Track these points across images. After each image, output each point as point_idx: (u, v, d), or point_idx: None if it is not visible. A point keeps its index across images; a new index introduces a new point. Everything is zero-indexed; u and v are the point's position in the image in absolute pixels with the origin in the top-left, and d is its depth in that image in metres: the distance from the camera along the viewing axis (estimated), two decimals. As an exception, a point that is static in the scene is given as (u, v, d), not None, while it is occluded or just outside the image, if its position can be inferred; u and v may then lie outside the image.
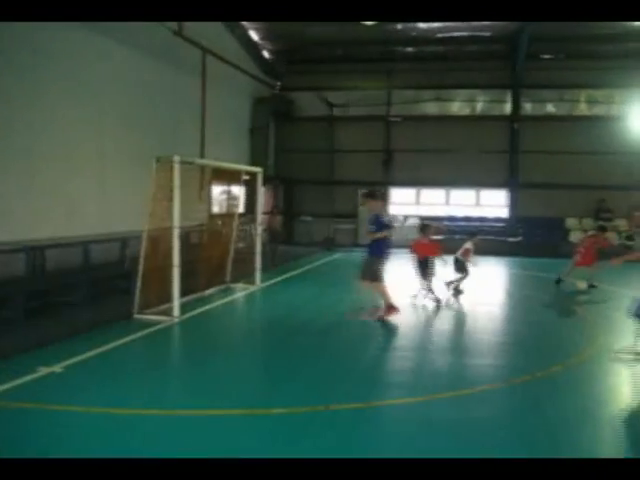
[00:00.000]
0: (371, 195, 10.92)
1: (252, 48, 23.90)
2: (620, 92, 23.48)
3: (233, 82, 21.65)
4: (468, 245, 13.24)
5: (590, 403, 6.29)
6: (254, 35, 23.32)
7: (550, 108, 25.00)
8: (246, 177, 15.13)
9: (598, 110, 24.35)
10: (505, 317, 12.06)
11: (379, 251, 10.21)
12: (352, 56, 25.06)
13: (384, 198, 9.84)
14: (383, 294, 10.25)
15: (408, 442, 5.15)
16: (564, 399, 6.40)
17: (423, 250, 12.57)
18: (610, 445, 5.19)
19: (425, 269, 12.33)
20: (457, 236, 23.67)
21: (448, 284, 13.10)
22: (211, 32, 18.43)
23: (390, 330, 9.92)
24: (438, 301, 12.00)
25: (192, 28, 16.57)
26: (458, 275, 13.11)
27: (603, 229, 15.85)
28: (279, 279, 15.11)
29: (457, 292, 13.07)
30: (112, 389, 6.47)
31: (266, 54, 25.18)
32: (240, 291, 13.33)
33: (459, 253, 13.19)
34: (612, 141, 22.83)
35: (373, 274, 10.19)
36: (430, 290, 12.28)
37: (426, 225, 13.40)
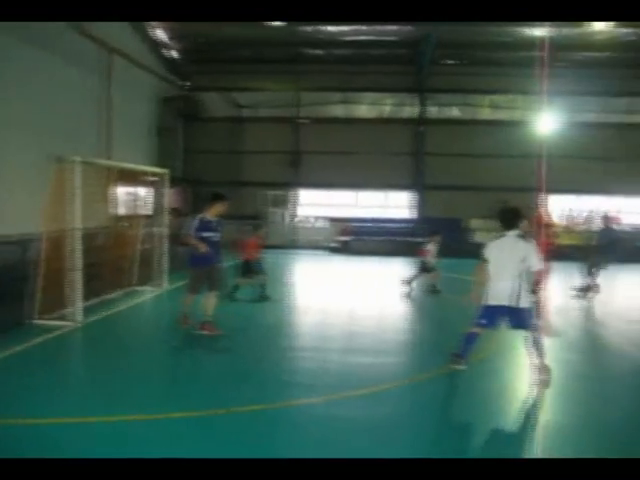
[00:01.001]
0: (217, 197, 9.85)
1: (159, 47, 24.10)
2: (522, 98, 25.16)
3: (139, 82, 21.84)
4: (429, 246, 14.14)
5: (490, 399, 6.61)
6: (161, 34, 23.46)
7: (455, 112, 26.61)
8: (154, 178, 15.49)
9: (501, 115, 26.12)
10: (408, 316, 12.46)
11: (195, 260, 9.32)
12: (261, 57, 25.68)
13: (226, 200, 9.39)
14: (185, 305, 9.75)
15: (309, 442, 5.31)
16: (465, 395, 6.76)
17: (247, 249, 12.76)
18: (507, 441, 5.49)
19: (247, 269, 12.62)
20: (366, 237, 25.45)
21: (407, 282, 14.06)
22: (116, 31, 18.58)
23: (292, 330, 10.34)
24: (265, 298, 12.57)
25: (97, 27, 16.68)
26: (417, 274, 14.09)
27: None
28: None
29: (434, 291, 14.07)
30: (7, 397, 6.40)
31: (174, 54, 25.40)
32: (146, 294, 13.28)
33: (424, 254, 14.09)
34: (514, 145, 24.26)
35: (190, 285, 9.69)
36: (262, 287, 12.79)
37: (258, 225, 14.35)
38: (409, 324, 11.67)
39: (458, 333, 9.96)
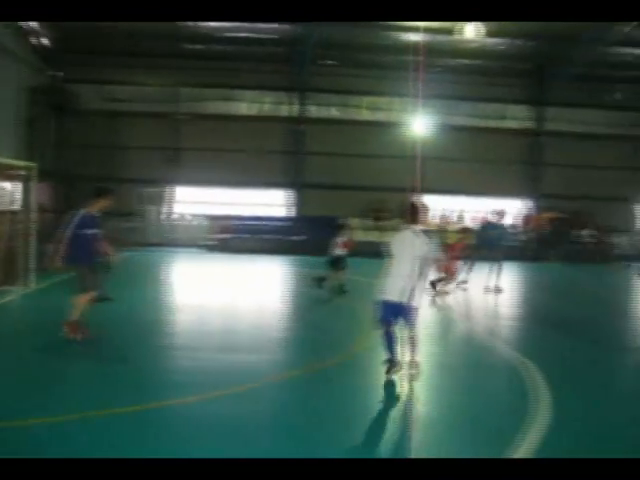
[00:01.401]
0: (102, 192, 9.13)
1: (28, 35, 23.29)
2: (398, 100, 26.08)
3: (4, 69, 20.99)
4: (342, 238, 13.86)
5: (359, 396, 6.69)
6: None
7: (334, 112, 27.31)
8: (20, 172, 14.82)
9: (378, 116, 27.05)
10: (282, 314, 12.45)
11: (79, 258, 8.67)
12: (140, 50, 25.27)
13: (112, 195, 8.56)
14: (76, 307, 8.85)
15: (183, 442, 5.20)
16: (335, 392, 6.77)
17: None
18: (376, 437, 5.62)
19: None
20: (244, 235, 25.70)
21: (317, 281, 13.85)
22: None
23: (168, 330, 10.22)
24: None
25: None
26: (334, 272, 13.67)
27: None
28: (57, 280, 13.59)
29: (343, 291, 13.58)
30: None
31: (46, 42, 24.54)
32: (11, 294, 12.65)
33: (336, 249, 13.73)
34: (391, 146, 25.24)
35: (80, 284, 8.87)
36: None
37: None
38: (286, 322, 11.66)
39: (334, 330, 10.13)
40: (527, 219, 26.32)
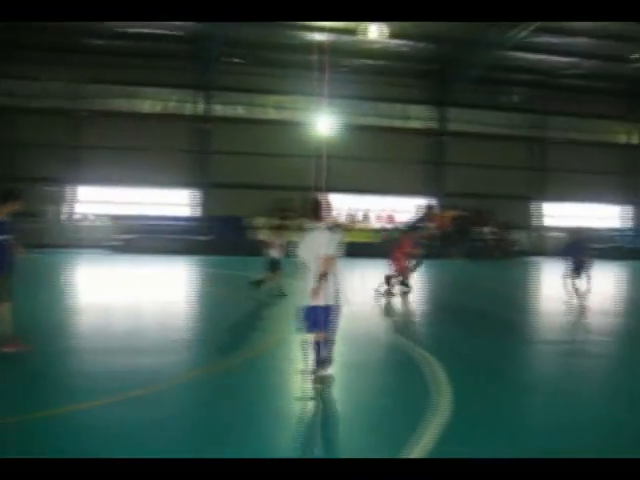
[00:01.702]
0: (10, 195, 8.43)
1: None
2: (304, 99, 26.29)
3: None
4: (280, 240, 13.38)
5: (266, 395, 6.57)
6: None
7: (241, 111, 27.31)
8: None
9: (284, 115, 27.19)
10: (188, 314, 12.34)
11: None
12: (38, 44, 24.51)
13: (21, 198, 7.68)
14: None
15: (86, 447, 4.97)
16: (238, 393, 6.61)
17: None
18: (282, 438, 5.47)
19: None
20: (148, 235, 25.28)
21: (255, 283, 13.34)
22: None
23: (71, 332, 9.90)
24: None
25: None
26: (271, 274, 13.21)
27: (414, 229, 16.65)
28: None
29: (282, 294, 13.07)
30: None
31: None
32: None
33: (272, 251, 13.27)
34: (297, 145, 25.66)
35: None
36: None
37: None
38: (191, 323, 11.51)
39: (239, 330, 9.98)
40: (431, 217, 27.11)
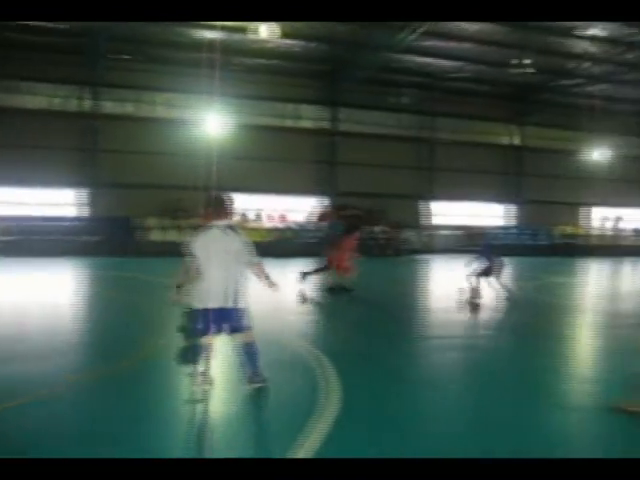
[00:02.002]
0: None
1: None
2: (195, 98, 25.77)
3: None
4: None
5: (152, 398, 6.53)
6: None
7: (130, 108, 26.69)
8: None
9: (175, 114, 26.79)
10: (73, 318, 11.88)
11: None
12: None
13: None
14: None
15: None
16: (124, 395, 6.57)
17: None
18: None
19: None
20: (34, 236, 24.33)
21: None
22: None
23: None
24: None
25: None
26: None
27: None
28: None
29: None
30: None
31: None
32: None
33: None
34: (188, 143, 25.10)
35: None
36: None
37: None
38: (77, 326, 11.11)
39: (125, 333, 9.83)
40: (322, 216, 27.52)
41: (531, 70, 26.16)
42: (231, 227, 6.46)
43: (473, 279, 13.49)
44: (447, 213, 32.29)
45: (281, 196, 28.17)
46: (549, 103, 33.04)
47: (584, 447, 5.59)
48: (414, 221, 30.05)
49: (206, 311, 6.22)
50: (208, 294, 6.22)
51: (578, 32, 24.64)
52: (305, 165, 28.47)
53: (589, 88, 31.17)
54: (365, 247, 25.32)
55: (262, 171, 26.71)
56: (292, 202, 29.04)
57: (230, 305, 6.26)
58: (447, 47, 25.95)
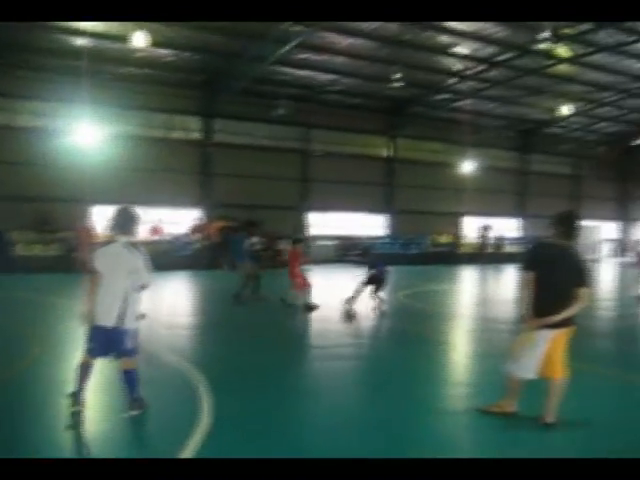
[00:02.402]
0: None
1: None
2: (65, 106, 25.09)
3: None
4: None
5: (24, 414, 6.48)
6: None
7: (-5, 117, 25.36)
8: None
9: (43, 122, 25.73)
10: None
11: None
12: None
13: None
14: None
15: None
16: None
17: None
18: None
19: None
20: None
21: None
22: None
23: None
24: None
25: None
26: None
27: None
28: None
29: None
30: None
31: None
32: None
33: None
34: (57, 154, 24.59)
35: None
36: None
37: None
38: None
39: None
40: (198, 228, 27.39)
41: (402, 84, 27.15)
42: (133, 244, 6.33)
43: (359, 288, 13.87)
44: (324, 224, 32.85)
45: (157, 208, 27.71)
46: (421, 116, 34.36)
47: (450, 447, 5.93)
48: (291, 232, 30.38)
49: (97, 329, 6.18)
50: (98, 311, 6.16)
51: (446, 49, 25.87)
52: (180, 176, 28.15)
53: (458, 103, 32.75)
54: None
55: (136, 182, 26.12)
56: (168, 214, 28.68)
57: (116, 325, 6.14)
58: (321, 60, 26.56)
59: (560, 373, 6.34)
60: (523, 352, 6.30)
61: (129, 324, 6.21)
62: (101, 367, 6.74)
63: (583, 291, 6.15)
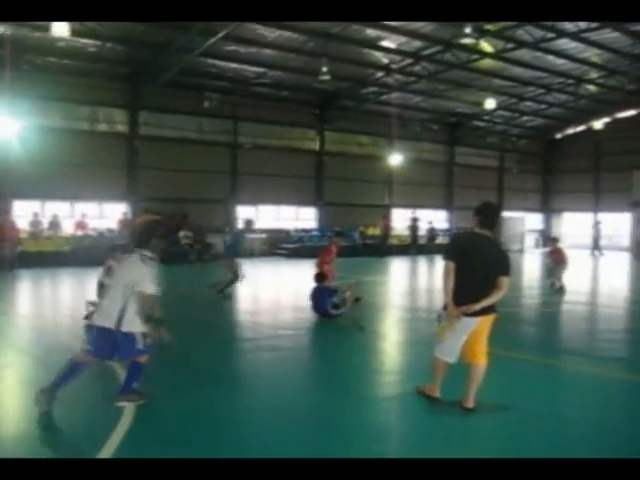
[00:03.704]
0: None
1: None
2: None
3: None
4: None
5: None
6: None
7: None
8: None
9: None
10: None
11: None
12: None
13: None
14: None
15: None
16: None
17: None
18: None
19: None
20: None
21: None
22: None
23: None
24: None
25: None
26: None
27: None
28: None
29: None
30: None
31: None
32: None
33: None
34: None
35: None
36: None
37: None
38: None
39: None
40: (123, 223, 27.05)
41: (329, 77, 27.45)
42: (150, 258, 6.48)
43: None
44: (254, 217, 32.79)
45: (82, 202, 27.26)
46: (349, 109, 34.73)
47: (375, 433, 6.22)
48: (221, 226, 30.35)
49: (98, 329, 6.34)
50: (101, 311, 6.44)
51: (374, 43, 26.32)
52: (106, 170, 27.63)
53: (385, 96, 33.32)
54: (169, 254, 25.27)
55: (61, 176, 25.46)
56: (94, 208, 28.24)
57: (113, 327, 6.24)
58: (249, 52, 26.57)
59: (480, 359, 6.69)
60: (446, 337, 6.62)
61: (127, 327, 6.31)
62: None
63: (503, 279, 6.47)
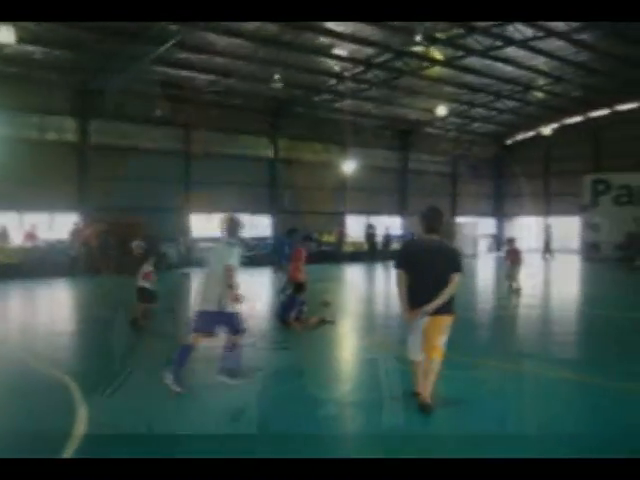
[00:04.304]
0: None
1: None
2: None
3: None
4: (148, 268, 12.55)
5: None
6: None
7: None
8: None
9: None
10: None
11: None
12: None
13: None
14: None
15: None
16: None
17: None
18: None
19: None
20: None
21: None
22: None
23: None
24: None
25: None
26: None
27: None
28: None
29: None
30: None
31: None
32: None
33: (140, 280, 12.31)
34: None
35: None
36: None
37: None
38: None
39: None
40: (74, 233, 26.72)
41: (282, 85, 27.59)
42: (234, 244, 7.84)
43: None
44: (207, 226, 32.66)
45: (32, 213, 26.85)
46: (302, 117, 34.96)
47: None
48: (174, 234, 30.23)
49: (203, 313, 7.65)
50: (204, 297, 7.66)
51: (325, 51, 26.59)
52: (56, 179, 27.20)
53: (338, 104, 33.64)
54: (123, 263, 25.00)
55: (9, 186, 24.92)
56: (44, 219, 27.83)
57: (221, 309, 7.45)
58: (201, 60, 26.61)
59: (435, 353, 6.90)
60: (409, 338, 6.96)
61: (227, 308, 7.50)
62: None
63: (453, 275, 6.74)
